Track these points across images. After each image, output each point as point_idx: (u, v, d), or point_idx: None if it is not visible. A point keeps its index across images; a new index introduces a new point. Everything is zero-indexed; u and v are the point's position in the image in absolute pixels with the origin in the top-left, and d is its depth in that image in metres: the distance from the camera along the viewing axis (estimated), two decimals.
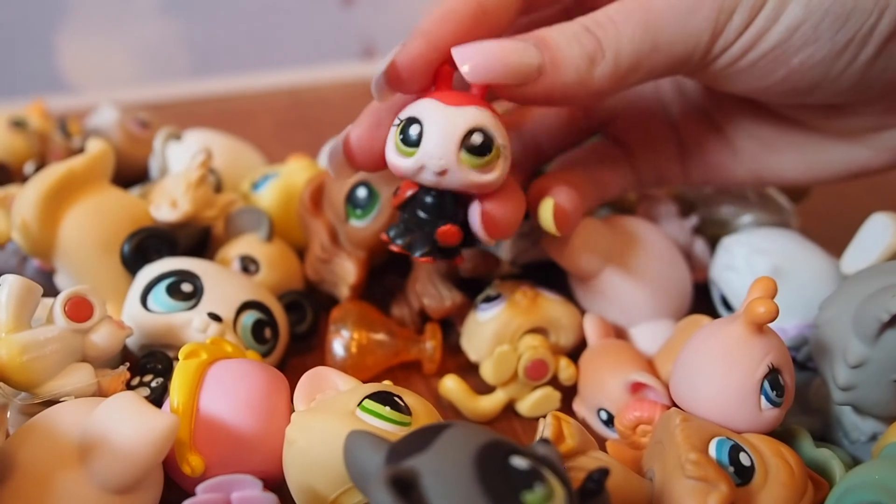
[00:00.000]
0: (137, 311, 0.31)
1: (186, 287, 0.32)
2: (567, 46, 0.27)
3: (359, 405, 0.24)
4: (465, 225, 0.29)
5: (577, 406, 0.33)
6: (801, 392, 0.30)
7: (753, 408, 0.25)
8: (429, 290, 0.34)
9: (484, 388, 0.33)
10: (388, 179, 0.34)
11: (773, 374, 0.25)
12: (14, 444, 0.23)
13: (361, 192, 0.35)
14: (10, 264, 0.36)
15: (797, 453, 0.25)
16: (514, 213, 0.29)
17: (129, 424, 0.22)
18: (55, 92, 0.69)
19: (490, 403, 0.32)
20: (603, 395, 0.31)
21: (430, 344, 0.34)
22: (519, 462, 0.18)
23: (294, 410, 0.26)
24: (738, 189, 0.40)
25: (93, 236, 0.33)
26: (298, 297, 0.36)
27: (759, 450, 0.24)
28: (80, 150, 0.35)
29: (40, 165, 0.43)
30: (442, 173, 0.26)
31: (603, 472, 0.20)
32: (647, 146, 0.36)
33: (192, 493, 0.23)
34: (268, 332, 0.32)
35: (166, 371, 0.30)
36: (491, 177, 0.27)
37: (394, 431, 0.24)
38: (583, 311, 0.35)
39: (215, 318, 0.31)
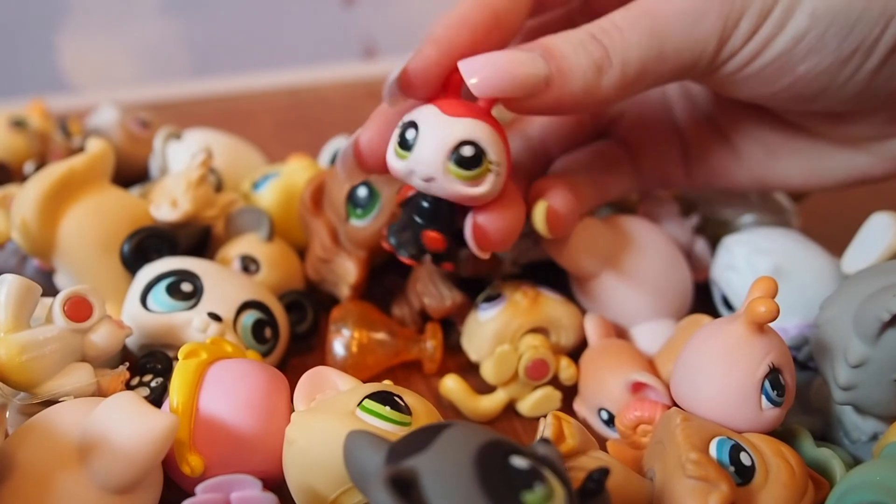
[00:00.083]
0: (137, 310, 0.31)
1: (186, 287, 0.32)
2: (574, 55, 0.27)
3: (359, 405, 0.24)
4: (459, 233, 0.29)
5: (578, 406, 0.33)
6: (801, 392, 0.30)
7: (754, 407, 0.25)
8: (429, 290, 0.34)
9: (484, 388, 0.33)
10: (388, 179, 0.34)
11: (773, 374, 0.25)
12: (13, 444, 0.23)
13: (362, 192, 0.35)
14: (10, 264, 0.36)
15: (798, 453, 0.25)
16: (507, 228, 0.29)
17: (128, 424, 0.22)
18: (55, 92, 0.69)
19: (491, 403, 0.32)
20: (603, 395, 0.31)
21: (431, 343, 0.34)
22: (519, 462, 0.18)
23: (294, 410, 0.26)
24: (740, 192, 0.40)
25: (93, 236, 0.33)
26: (299, 296, 0.36)
27: (760, 449, 0.24)
28: (81, 150, 0.35)
29: (40, 165, 0.43)
30: (428, 180, 0.27)
31: (603, 472, 0.20)
32: (650, 148, 0.36)
33: (191, 493, 0.23)
34: (268, 332, 0.32)
35: (166, 371, 0.30)
36: (478, 191, 0.27)
37: (394, 431, 0.24)
38: (583, 311, 0.35)
39: (215, 317, 0.31)
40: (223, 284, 0.32)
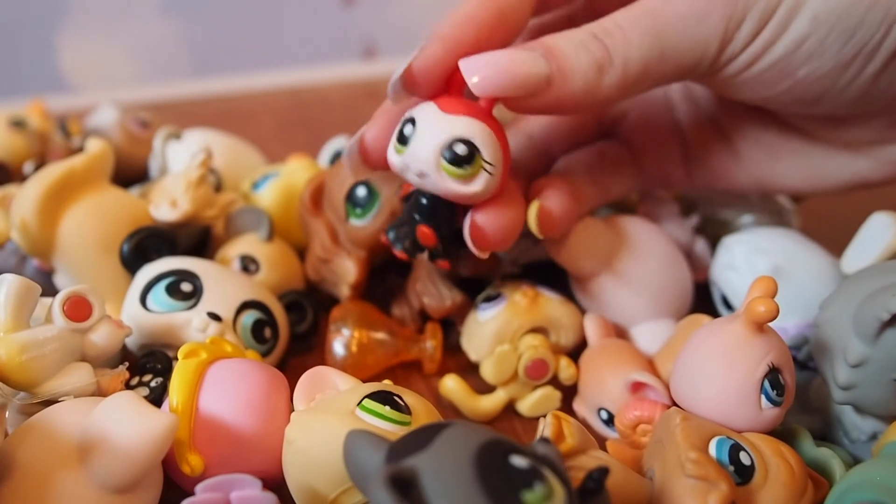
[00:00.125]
0: (137, 310, 0.31)
1: (186, 286, 0.32)
2: (575, 55, 0.27)
3: (358, 404, 0.24)
4: (459, 233, 0.29)
5: (578, 406, 0.33)
6: (801, 391, 0.30)
7: (754, 407, 0.25)
8: (429, 290, 0.34)
9: (484, 388, 0.33)
10: (387, 178, 0.34)
11: (773, 374, 0.25)
12: (13, 444, 0.23)
13: (361, 192, 0.35)
14: (10, 264, 0.36)
15: (797, 452, 0.25)
16: (506, 228, 0.29)
17: (128, 424, 0.22)
18: (55, 92, 0.69)
19: (490, 403, 0.32)
20: (603, 395, 0.31)
21: (431, 344, 0.34)
22: (519, 461, 0.18)
23: (294, 410, 0.26)
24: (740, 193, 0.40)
25: (92, 236, 0.33)
26: (298, 296, 0.36)
27: (760, 449, 0.24)
28: (80, 150, 0.35)
29: (40, 165, 0.43)
30: (421, 176, 0.27)
31: (603, 471, 0.20)
32: (652, 148, 0.36)
33: (191, 493, 0.23)
34: (268, 332, 0.32)
35: (166, 371, 0.30)
36: (470, 189, 0.27)
37: (394, 431, 0.24)
38: (583, 311, 0.35)
39: (215, 317, 0.31)
40: (223, 284, 0.32)
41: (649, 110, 0.36)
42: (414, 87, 0.28)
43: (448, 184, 0.27)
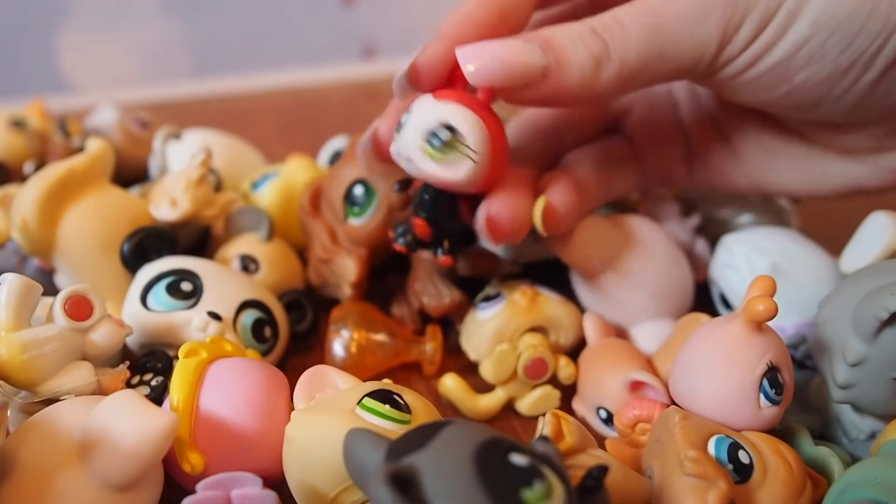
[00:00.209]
0: (137, 309, 0.31)
1: (186, 286, 0.32)
2: (573, 48, 0.27)
3: (358, 403, 0.24)
4: (463, 231, 0.29)
5: (577, 405, 0.33)
6: (800, 391, 0.30)
7: (752, 406, 0.25)
8: (428, 289, 0.34)
9: (484, 387, 0.33)
10: (385, 176, 0.34)
11: (772, 373, 0.25)
12: (14, 443, 0.23)
13: (358, 190, 0.35)
14: (11, 263, 0.36)
15: (796, 451, 0.25)
16: (521, 218, 0.29)
17: (129, 422, 0.22)
18: (55, 92, 0.69)
19: (490, 402, 0.32)
20: (602, 394, 0.31)
21: (431, 346, 0.34)
22: (518, 459, 0.19)
23: (294, 409, 0.26)
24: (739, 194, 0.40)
25: (93, 235, 0.33)
26: (298, 296, 0.36)
27: (758, 448, 0.24)
28: (80, 150, 0.35)
29: (40, 165, 0.43)
30: (408, 161, 0.27)
31: (602, 470, 0.20)
32: (655, 145, 0.36)
33: (191, 491, 0.23)
34: (267, 331, 0.32)
35: (166, 370, 0.30)
36: (451, 175, 0.27)
37: (393, 429, 0.24)
38: (582, 310, 0.35)
39: (215, 316, 0.31)
40: (223, 284, 0.32)
41: (654, 107, 0.36)
42: (418, 83, 0.28)
43: (430, 168, 0.27)
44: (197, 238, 0.38)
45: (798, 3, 0.26)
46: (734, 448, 0.24)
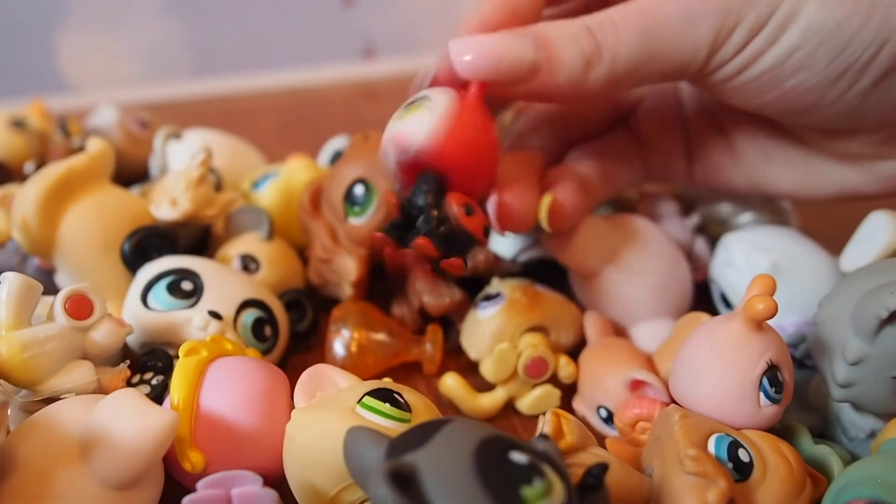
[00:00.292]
0: (138, 309, 0.31)
1: (187, 285, 0.32)
2: (564, 47, 0.27)
3: (359, 402, 0.24)
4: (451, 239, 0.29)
5: (577, 404, 0.33)
6: (800, 389, 0.30)
7: (752, 404, 0.25)
8: (428, 288, 0.34)
9: (484, 387, 0.33)
10: (384, 175, 0.34)
11: (771, 371, 0.25)
12: (15, 442, 0.23)
13: (359, 190, 0.35)
14: (11, 263, 0.36)
15: (796, 450, 0.25)
16: (532, 208, 0.30)
17: (129, 421, 0.22)
18: (55, 92, 0.69)
19: (490, 401, 0.32)
20: (602, 393, 0.31)
21: (431, 345, 0.34)
22: (518, 457, 0.19)
23: (294, 407, 0.26)
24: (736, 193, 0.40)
25: (93, 235, 0.33)
26: (298, 295, 0.36)
27: (758, 446, 0.24)
28: (81, 150, 0.35)
29: (40, 165, 0.43)
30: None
31: (602, 468, 0.20)
32: (659, 140, 0.36)
33: (192, 490, 0.23)
34: (268, 331, 0.32)
35: (167, 369, 0.30)
36: (409, 130, 0.27)
37: (394, 428, 0.24)
38: (582, 310, 0.35)
39: (215, 316, 0.31)
40: (223, 283, 0.32)
41: (660, 102, 0.37)
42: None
43: (393, 126, 0.28)
44: (197, 237, 0.38)
45: (790, 12, 0.26)
46: (734, 446, 0.24)
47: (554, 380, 0.33)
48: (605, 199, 0.35)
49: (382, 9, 0.80)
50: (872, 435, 0.28)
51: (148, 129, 0.49)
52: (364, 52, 0.81)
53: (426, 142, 0.27)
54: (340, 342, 0.33)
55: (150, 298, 0.31)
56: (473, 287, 0.35)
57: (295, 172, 0.42)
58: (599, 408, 0.31)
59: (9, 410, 0.26)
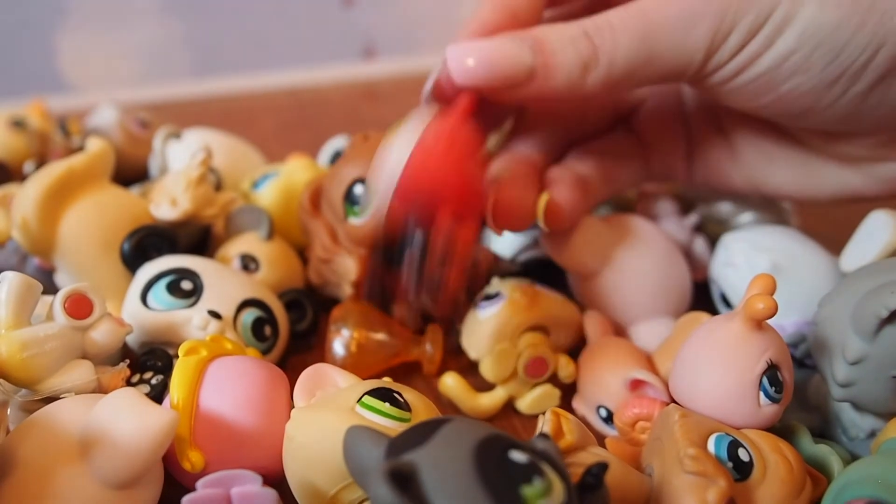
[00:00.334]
0: (137, 308, 0.31)
1: (186, 285, 0.32)
2: (562, 51, 0.27)
3: (358, 401, 0.24)
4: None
5: (577, 403, 0.33)
6: (800, 389, 0.30)
7: (752, 404, 0.25)
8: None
9: (484, 387, 0.33)
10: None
11: (771, 371, 0.25)
12: (14, 441, 0.23)
13: (358, 190, 0.35)
14: (11, 263, 0.36)
15: (796, 449, 0.25)
16: (529, 207, 0.30)
17: (129, 420, 0.22)
18: (55, 92, 0.69)
19: (490, 401, 0.32)
20: (602, 393, 0.31)
21: (431, 345, 0.34)
22: (518, 456, 0.19)
23: (294, 407, 0.26)
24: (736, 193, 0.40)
25: (93, 234, 0.33)
26: (298, 295, 0.36)
27: (758, 445, 0.24)
28: (80, 150, 0.35)
29: (40, 164, 0.43)
30: None
31: (602, 467, 0.20)
32: (661, 140, 0.36)
33: (191, 489, 0.23)
34: (268, 330, 0.32)
35: (166, 368, 0.30)
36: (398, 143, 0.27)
37: (394, 427, 0.24)
38: (582, 309, 0.35)
39: (215, 315, 0.31)
40: (223, 283, 0.32)
41: (662, 102, 0.37)
42: (443, 98, 0.29)
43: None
44: (197, 237, 0.38)
45: (786, 16, 0.26)
46: (734, 446, 0.24)
47: (554, 379, 0.33)
48: (605, 198, 0.36)
49: (382, 9, 0.80)
50: (872, 434, 0.28)
51: (148, 129, 0.49)
52: (364, 52, 0.82)
53: (404, 172, 0.27)
54: (340, 342, 0.33)
55: (150, 298, 0.31)
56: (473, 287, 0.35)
57: (295, 172, 0.42)
58: (599, 407, 0.31)
59: (8, 410, 0.26)
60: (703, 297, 0.37)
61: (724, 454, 0.23)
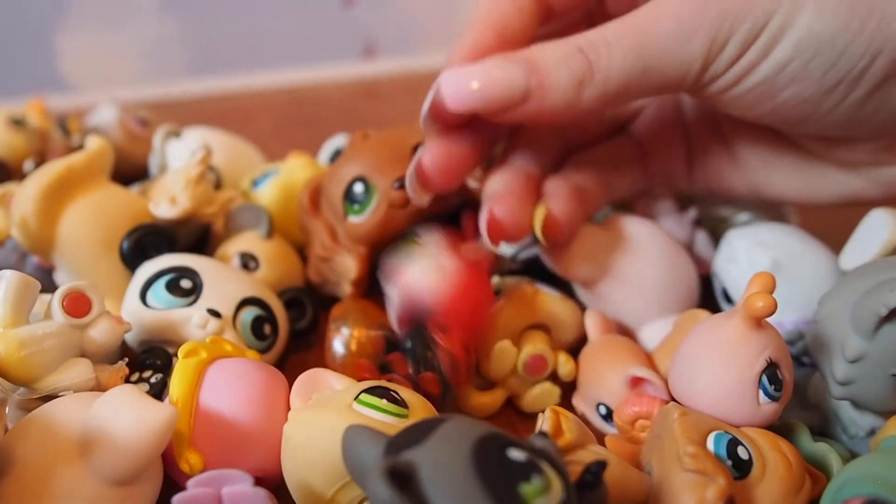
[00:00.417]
0: (137, 307, 0.31)
1: (186, 283, 0.32)
2: (556, 70, 0.27)
3: (355, 399, 0.24)
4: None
5: (577, 401, 0.33)
6: (799, 387, 0.30)
7: (751, 402, 0.25)
8: None
9: (484, 385, 0.33)
10: (384, 172, 0.34)
11: (771, 369, 0.25)
12: (13, 439, 0.23)
13: (358, 188, 0.35)
14: (10, 261, 0.36)
15: (795, 447, 0.25)
16: (522, 221, 0.30)
17: (128, 416, 0.22)
18: (55, 91, 0.69)
19: (490, 399, 0.32)
20: (602, 390, 0.31)
21: None
22: (516, 454, 0.18)
23: None
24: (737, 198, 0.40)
25: (92, 233, 0.33)
26: (298, 293, 0.36)
27: (757, 443, 0.24)
28: (80, 148, 0.35)
29: (39, 163, 0.43)
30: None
31: (600, 465, 0.20)
32: (661, 147, 0.36)
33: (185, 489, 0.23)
34: (267, 329, 0.32)
35: (165, 367, 0.30)
36: (422, 282, 0.29)
37: (392, 423, 0.24)
38: (583, 308, 0.35)
39: (215, 314, 0.31)
40: (222, 281, 0.32)
41: (661, 109, 0.37)
42: (440, 118, 0.29)
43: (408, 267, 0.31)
44: (197, 235, 0.38)
45: (782, 25, 0.26)
46: (733, 444, 0.24)
47: (555, 378, 0.33)
48: (603, 206, 0.36)
49: (382, 8, 0.80)
50: (872, 433, 0.28)
51: (147, 128, 0.49)
52: (364, 51, 0.81)
53: (431, 302, 0.29)
54: (340, 340, 0.33)
55: (149, 296, 0.31)
56: None
57: (294, 171, 0.42)
58: (599, 405, 0.31)
59: (7, 408, 0.26)
60: (705, 293, 0.37)
61: (723, 452, 0.23)
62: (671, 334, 0.32)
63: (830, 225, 0.37)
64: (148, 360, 0.30)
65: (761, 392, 0.25)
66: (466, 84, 0.27)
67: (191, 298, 0.31)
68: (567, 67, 0.27)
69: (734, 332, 0.25)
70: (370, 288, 0.37)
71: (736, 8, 0.26)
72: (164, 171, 0.45)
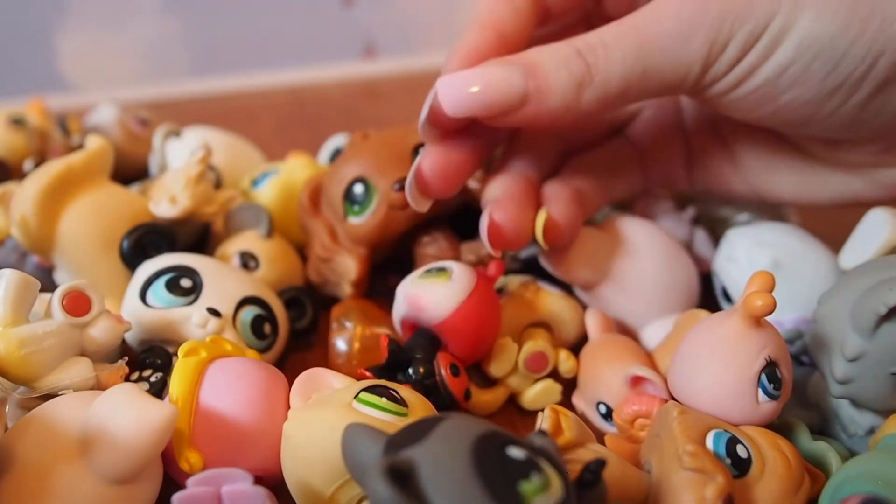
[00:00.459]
0: (136, 306, 0.31)
1: (185, 282, 0.32)
2: (555, 72, 0.27)
3: (355, 397, 0.24)
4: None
5: (577, 400, 0.33)
6: (799, 386, 0.30)
7: (751, 401, 0.25)
8: None
9: (485, 382, 0.33)
10: (384, 173, 0.34)
11: (770, 368, 0.25)
12: (13, 438, 0.23)
13: (358, 189, 0.35)
14: (10, 261, 0.36)
15: (794, 446, 0.25)
16: (523, 227, 0.30)
17: (128, 415, 0.22)
18: (55, 91, 0.70)
19: (491, 396, 0.32)
20: (602, 389, 0.31)
21: None
22: (516, 452, 0.19)
23: None
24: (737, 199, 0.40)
25: (92, 232, 0.33)
26: (298, 293, 0.36)
27: (757, 442, 0.24)
28: (80, 148, 0.35)
29: (39, 163, 0.43)
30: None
31: (600, 463, 0.20)
32: (659, 148, 0.36)
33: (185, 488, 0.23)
34: (267, 328, 0.32)
35: (165, 366, 0.30)
36: (430, 292, 0.30)
37: (392, 421, 0.24)
38: (584, 306, 0.35)
39: (214, 313, 0.31)
40: (222, 280, 0.32)
41: (661, 110, 0.37)
42: (439, 123, 0.29)
43: (416, 286, 0.31)
44: (196, 235, 0.38)
45: (783, 27, 0.26)
46: (732, 442, 0.24)
47: (556, 375, 0.33)
48: (602, 208, 0.36)
49: (382, 8, 0.80)
50: (871, 432, 0.28)
51: (147, 127, 0.49)
52: (364, 51, 0.81)
53: (442, 317, 0.29)
54: (342, 337, 0.33)
55: (149, 296, 0.31)
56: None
57: (295, 170, 0.42)
58: (599, 404, 0.31)
59: (6, 407, 0.26)
60: (704, 292, 0.37)
61: (722, 451, 0.23)
62: (671, 334, 0.32)
63: (830, 225, 0.37)
64: (148, 360, 0.30)
65: (760, 391, 0.25)
66: (464, 89, 0.26)
67: (191, 298, 0.31)
68: (566, 70, 0.27)
69: (733, 331, 0.25)
70: (370, 289, 0.37)
71: (736, 8, 0.26)
72: (164, 170, 0.45)
